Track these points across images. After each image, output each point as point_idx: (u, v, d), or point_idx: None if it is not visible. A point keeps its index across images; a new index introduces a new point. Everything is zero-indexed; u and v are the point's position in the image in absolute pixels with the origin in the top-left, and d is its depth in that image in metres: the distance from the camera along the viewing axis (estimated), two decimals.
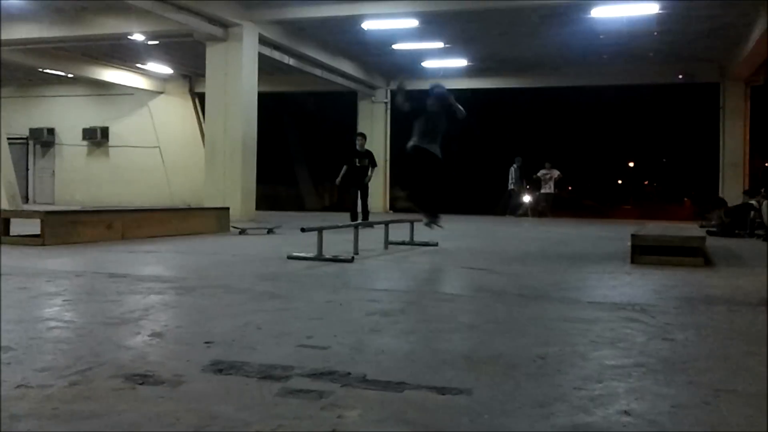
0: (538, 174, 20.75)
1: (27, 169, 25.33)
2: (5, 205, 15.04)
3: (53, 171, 25.31)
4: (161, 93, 23.60)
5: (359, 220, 11.53)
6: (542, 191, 20.75)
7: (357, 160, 12.59)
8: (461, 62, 19.80)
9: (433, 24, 15.69)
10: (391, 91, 7.50)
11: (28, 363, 2.74)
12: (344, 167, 12.61)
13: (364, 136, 13.23)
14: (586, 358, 3.01)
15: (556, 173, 20.66)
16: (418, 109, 8.07)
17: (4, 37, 15.12)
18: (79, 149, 24.67)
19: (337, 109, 25.20)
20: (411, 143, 8.04)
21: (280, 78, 20.63)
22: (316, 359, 2.83)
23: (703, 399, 2.39)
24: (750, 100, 19.78)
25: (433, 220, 8.07)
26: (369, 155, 12.81)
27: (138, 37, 16.16)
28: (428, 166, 7.86)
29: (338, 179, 12.63)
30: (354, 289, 5.12)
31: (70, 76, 21.94)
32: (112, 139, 24.26)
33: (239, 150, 14.93)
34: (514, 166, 20.85)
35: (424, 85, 22.85)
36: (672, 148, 46.19)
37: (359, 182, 12.69)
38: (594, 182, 46.56)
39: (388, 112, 23.15)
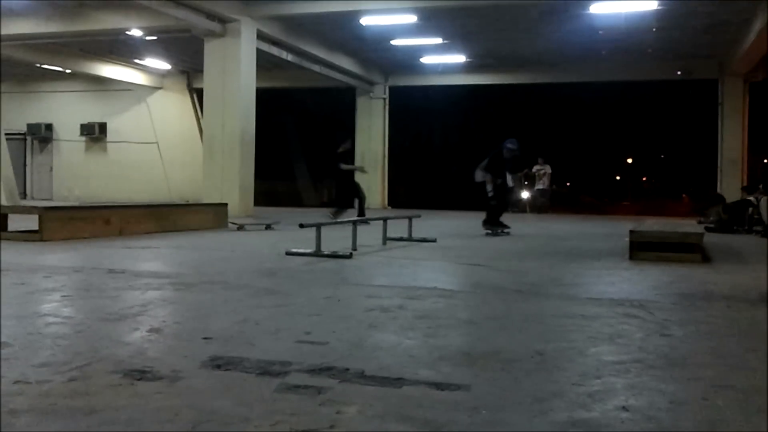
0: (532, 170, 20.76)
1: (25, 165, 25.29)
2: (3, 201, 15.03)
3: (51, 167, 25.27)
4: (159, 89, 23.56)
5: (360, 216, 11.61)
6: (537, 187, 20.75)
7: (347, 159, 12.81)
8: (460, 58, 19.79)
9: (431, 20, 15.67)
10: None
11: (26, 359, 2.74)
12: (345, 165, 12.69)
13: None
14: (584, 354, 3.02)
15: (548, 169, 20.65)
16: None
17: (2, 32, 15.09)
18: (77, 145, 24.64)
19: (335, 105, 25.18)
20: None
21: (278, 74, 20.60)
22: (314, 355, 2.83)
23: (701, 395, 2.39)
24: (749, 96, 19.79)
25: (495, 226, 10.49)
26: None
27: (136, 32, 16.13)
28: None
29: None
30: (352, 284, 5.12)
31: (68, 71, 21.90)
32: (110, 135, 24.23)
33: (237, 146, 14.93)
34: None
35: (422, 82, 22.94)
36: (670, 145, 46.28)
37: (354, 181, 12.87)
38: (592, 178, 46.63)
39: (387, 108, 23.14)
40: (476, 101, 29.29)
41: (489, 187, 10.62)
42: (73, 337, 3.18)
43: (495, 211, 10.74)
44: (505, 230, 10.66)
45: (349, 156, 12.95)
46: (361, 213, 12.35)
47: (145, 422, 2.04)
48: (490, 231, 10.49)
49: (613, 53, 18.65)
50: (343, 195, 13.13)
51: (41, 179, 25.43)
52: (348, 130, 14.08)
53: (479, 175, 10.72)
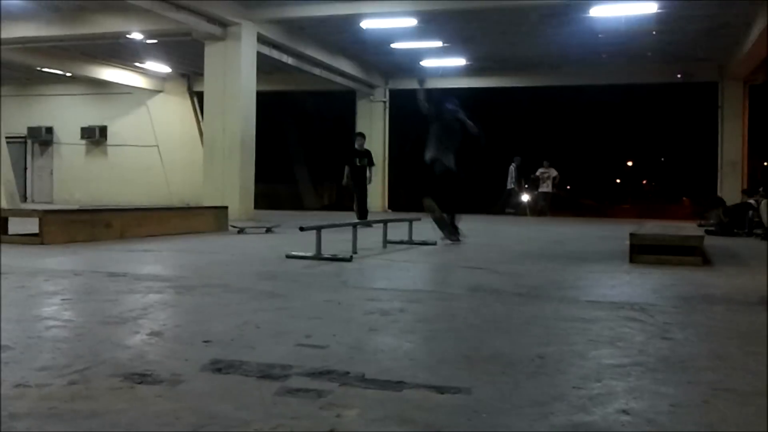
0: (537, 173, 20.81)
1: (25, 168, 25.32)
2: (4, 204, 15.03)
3: (52, 170, 25.29)
4: (160, 92, 23.59)
5: (358, 219, 11.61)
6: (540, 190, 20.80)
7: (357, 159, 12.69)
8: (460, 61, 19.81)
9: (431, 23, 15.69)
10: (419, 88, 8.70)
11: (26, 362, 2.73)
12: (347, 168, 12.70)
13: (363, 135, 13.39)
14: (584, 357, 3.01)
15: (554, 173, 20.72)
16: (434, 115, 8.80)
17: (3, 35, 15.11)
18: (77, 148, 24.66)
19: (335, 108, 25.20)
20: (429, 156, 8.68)
21: (278, 77, 20.63)
22: (314, 358, 2.83)
23: (702, 398, 2.39)
24: (749, 99, 19.81)
25: (452, 234, 8.88)
26: (368, 154, 12.89)
27: (137, 35, 16.15)
28: (444, 181, 8.63)
29: (345, 180, 12.73)
30: (353, 288, 5.12)
31: (68, 74, 21.93)
32: (111, 138, 24.25)
33: (238, 149, 14.93)
34: (513, 165, 20.89)
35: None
36: (671, 148, 46.26)
37: (359, 182, 12.76)
38: (593, 181, 46.60)
39: (387, 111, 23.16)
40: (476, 104, 29.30)
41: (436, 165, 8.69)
42: (74, 341, 3.18)
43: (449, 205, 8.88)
44: (454, 238, 8.97)
45: (357, 155, 12.88)
46: (362, 215, 12.43)
47: (146, 426, 2.04)
48: (446, 235, 8.82)
49: (614, 56, 18.66)
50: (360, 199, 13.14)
51: (42, 182, 25.44)
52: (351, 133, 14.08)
53: (438, 165, 8.78)
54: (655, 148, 49.05)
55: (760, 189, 13.19)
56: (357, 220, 10.99)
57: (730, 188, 18.30)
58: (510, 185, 20.90)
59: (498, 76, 21.72)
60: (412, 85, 22.41)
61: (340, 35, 17.09)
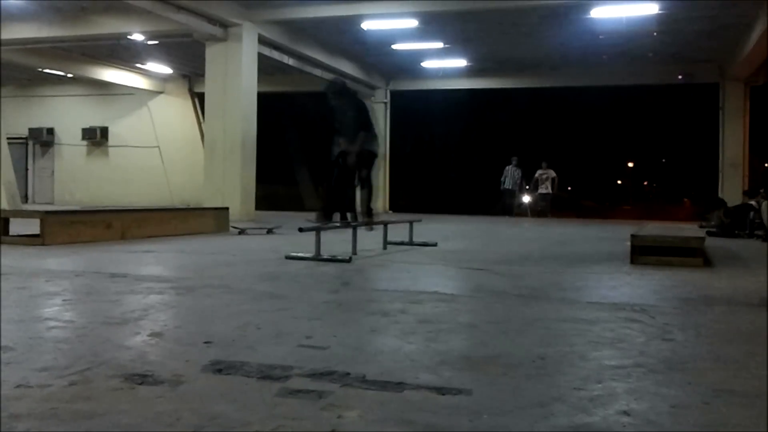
0: (536, 175, 20.81)
1: (26, 169, 25.34)
2: (5, 205, 15.04)
3: (53, 171, 25.31)
4: (161, 93, 23.60)
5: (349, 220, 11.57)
6: (540, 192, 20.80)
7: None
8: (461, 62, 19.83)
9: (432, 24, 15.71)
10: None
11: (27, 363, 2.73)
12: (335, 170, 12.66)
13: None
14: (585, 358, 3.01)
15: (552, 174, 20.71)
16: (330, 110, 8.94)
17: (3, 36, 15.13)
18: (78, 149, 24.68)
19: None
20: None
21: (279, 78, 20.63)
22: (315, 359, 2.82)
23: (702, 399, 2.39)
24: (749, 100, 19.81)
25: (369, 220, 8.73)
26: None
27: (137, 37, 16.17)
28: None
29: (333, 182, 12.72)
30: (353, 289, 5.12)
31: (69, 75, 21.95)
32: (112, 139, 24.28)
33: (238, 150, 14.94)
34: (512, 165, 20.87)
35: (423, 86, 22.91)
36: (671, 149, 46.36)
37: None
38: (593, 182, 46.65)
39: (388, 112, 23.16)
40: (477, 105, 29.34)
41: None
42: (75, 341, 3.18)
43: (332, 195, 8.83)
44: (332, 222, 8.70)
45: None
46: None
47: (146, 426, 2.04)
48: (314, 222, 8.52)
49: (614, 57, 18.67)
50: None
51: (43, 183, 25.47)
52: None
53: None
54: (656, 149, 49.17)
55: (761, 190, 13.18)
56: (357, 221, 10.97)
57: (731, 189, 18.30)
58: (507, 186, 20.87)
59: (498, 77, 21.73)
60: (413, 86, 22.68)
61: (341, 36, 17.10)
